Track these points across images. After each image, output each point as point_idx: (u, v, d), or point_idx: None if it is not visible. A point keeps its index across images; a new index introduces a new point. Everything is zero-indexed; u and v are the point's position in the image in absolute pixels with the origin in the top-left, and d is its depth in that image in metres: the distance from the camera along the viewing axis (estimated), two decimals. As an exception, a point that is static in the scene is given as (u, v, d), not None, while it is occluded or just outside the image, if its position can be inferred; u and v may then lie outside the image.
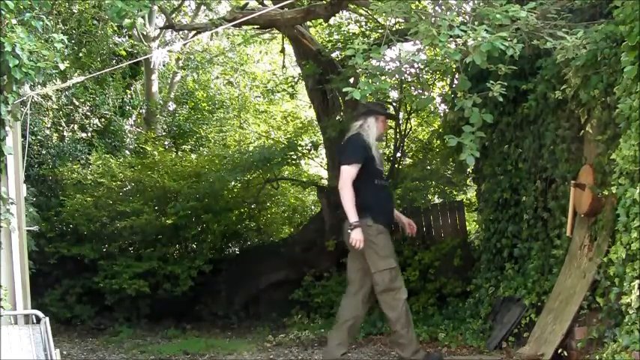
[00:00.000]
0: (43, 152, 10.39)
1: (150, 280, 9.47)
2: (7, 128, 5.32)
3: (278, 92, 12.57)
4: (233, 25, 8.56)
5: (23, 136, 5.81)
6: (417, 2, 6.08)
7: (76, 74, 10.64)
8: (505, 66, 4.79)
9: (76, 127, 11.73)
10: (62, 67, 5.59)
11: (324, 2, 7.92)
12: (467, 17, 5.11)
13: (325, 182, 10.59)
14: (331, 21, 9.62)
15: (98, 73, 10.19)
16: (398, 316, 5.68)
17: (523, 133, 6.56)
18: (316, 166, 11.93)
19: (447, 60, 4.95)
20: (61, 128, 11.42)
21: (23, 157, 5.78)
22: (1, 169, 5.35)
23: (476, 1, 5.67)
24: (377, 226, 5.62)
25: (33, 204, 8.72)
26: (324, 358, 6.06)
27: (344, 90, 4.97)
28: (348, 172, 5.58)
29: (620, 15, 4.39)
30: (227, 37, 14.41)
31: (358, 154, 5.63)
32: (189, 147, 12.62)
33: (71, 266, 9.86)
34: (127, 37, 12.44)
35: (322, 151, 10.73)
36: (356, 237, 5.49)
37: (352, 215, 5.53)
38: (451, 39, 4.70)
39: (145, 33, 11.87)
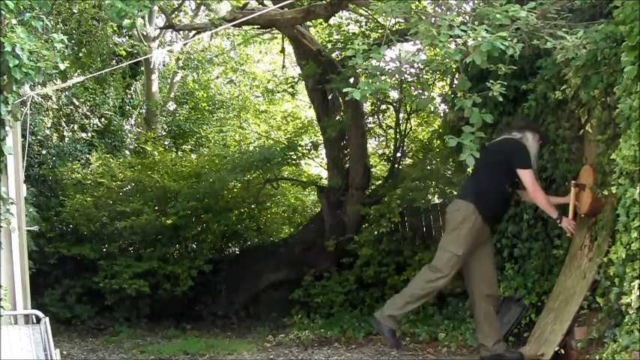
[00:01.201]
0: (43, 152, 10.39)
1: (150, 280, 9.48)
2: (7, 128, 5.32)
3: (278, 92, 12.57)
4: (233, 25, 8.57)
5: (23, 136, 5.81)
6: (417, 2, 6.07)
7: (76, 74, 10.64)
8: (505, 66, 4.78)
9: (76, 127, 11.73)
10: (62, 67, 5.60)
11: (324, 2, 7.92)
12: (467, 17, 5.11)
13: (325, 182, 10.58)
14: (331, 21, 9.61)
15: (98, 73, 10.18)
16: (418, 290, 5.58)
17: (523, 133, 6.55)
18: (316, 166, 11.93)
19: (447, 60, 4.94)
20: (61, 128, 11.42)
21: (23, 157, 5.79)
22: (1, 169, 5.35)
23: (476, 1, 5.67)
24: (475, 216, 5.49)
25: (33, 204, 8.72)
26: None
27: (344, 90, 4.97)
28: (532, 176, 5.48)
29: (620, 15, 4.38)
30: (227, 37, 14.41)
31: (530, 160, 5.53)
32: (189, 147, 12.62)
33: (71, 266, 9.87)
34: (127, 37, 12.43)
35: (322, 151, 10.73)
36: (566, 225, 5.48)
37: (553, 212, 5.52)
38: (451, 39, 4.70)
39: (145, 33, 11.86)
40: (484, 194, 5.53)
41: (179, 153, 11.79)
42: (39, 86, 8.54)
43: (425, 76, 8.79)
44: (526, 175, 5.45)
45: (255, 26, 9.72)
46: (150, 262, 9.57)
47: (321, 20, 9.12)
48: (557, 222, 5.54)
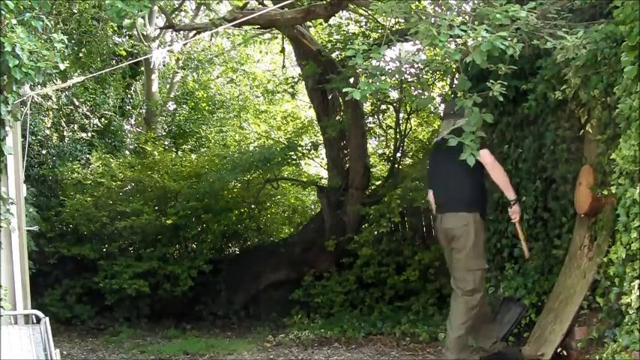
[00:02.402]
0: (43, 152, 10.39)
1: (150, 280, 9.48)
2: (7, 128, 5.32)
3: (278, 92, 12.57)
4: (233, 25, 8.57)
5: (23, 136, 5.81)
6: (417, 2, 6.07)
7: (76, 74, 10.63)
8: (505, 66, 4.78)
9: (76, 127, 11.73)
10: (62, 67, 5.58)
11: (324, 2, 7.92)
12: (467, 17, 5.11)
13: (325, 182, 10.58)
14: (331, 21, 9.61)
15: (98, 73, 10.18)
16: (469, 322, 5.44)
17: (523, 133, 6.56)
18: (316, 166, 11.93)
19: (447, 60, 4.94)
20: (61, 128, 11.41)
21: (23, 157, 5.78)
22: (1, 169, 5.35)
23: (476, 1, 5.67)
24: (481, 221, 5.50)
25: (33, 204, 8.72)
26: None
27: (344, 90, 4.97)
28: (489, 154, 5.37)
29: (620, 15, 4.38)
30: (227, 37, 14.41)
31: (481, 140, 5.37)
32: (189, 147, 12.62)
33: (71, 266, 9.87)
34: (127, 37, 12.43)
35: (322, 151, 10.73)
36: (516, 210, 5.48)
37: (512, 192, 5.49)
38: (451, 39, 4.70)
39: (145, 33, 11.86)
40: (477, 196, 5.52)
41: (179, 153, 11.78)
42: (39, 86, 8.54)
43: (425, 76, 8.80)
44: (484, 155, 5.28)
45: (255, 26, 9.72)
46: (150, 262, 9.57)
47: (321, 20, 9.12)
48: (512, 203, 5.49)
